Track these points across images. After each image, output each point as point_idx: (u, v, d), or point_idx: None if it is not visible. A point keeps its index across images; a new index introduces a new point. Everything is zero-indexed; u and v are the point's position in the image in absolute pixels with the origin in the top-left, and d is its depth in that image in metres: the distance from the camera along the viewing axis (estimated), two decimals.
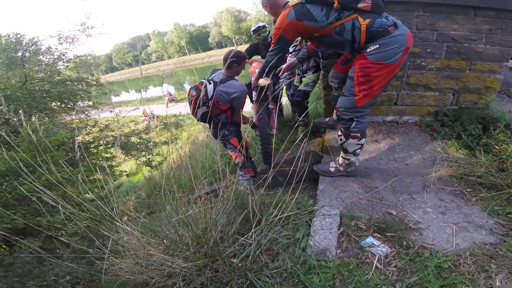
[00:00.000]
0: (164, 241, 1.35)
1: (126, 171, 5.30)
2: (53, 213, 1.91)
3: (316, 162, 2.15)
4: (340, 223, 1.48)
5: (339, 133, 1.79)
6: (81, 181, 1.35)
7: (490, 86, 2.20)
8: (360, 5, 1.47)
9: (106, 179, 1.52)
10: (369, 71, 1.57)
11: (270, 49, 1.78)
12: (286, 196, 1.53)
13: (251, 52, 3.48)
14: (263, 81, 2.61)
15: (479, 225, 1.42)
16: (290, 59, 2.67)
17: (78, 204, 1.58)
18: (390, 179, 1.83)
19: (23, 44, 5.98)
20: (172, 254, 1.27)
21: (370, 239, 1.36)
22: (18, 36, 6.19)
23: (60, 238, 1.46)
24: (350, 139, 1.73)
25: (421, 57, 2.19)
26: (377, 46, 1.53)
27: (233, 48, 2.11)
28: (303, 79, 2.85)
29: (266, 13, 1.97)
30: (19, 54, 5.82)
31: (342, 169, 1.88)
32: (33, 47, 6.06)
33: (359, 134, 1.71)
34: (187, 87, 31.19)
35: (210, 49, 69.88)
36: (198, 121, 2.32)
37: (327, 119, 2.54)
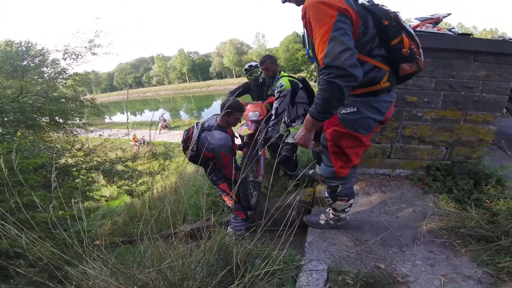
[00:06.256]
0: (135, 287, 1.21)
1: (106, 196, 5.03)
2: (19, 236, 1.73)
3: (305, 213, 2.07)
4: (327, 278, 1.40)
5: (326, 194, 1.70)
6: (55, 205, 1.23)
7: (483, 139, 2.19)
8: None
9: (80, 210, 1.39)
10: (341, 143, 1.39)
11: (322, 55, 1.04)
12: (272, 246, 1.44)
13: (243, 91, 3.26)
14: (245, 130, 2.46)
15: (467, 275, 1.40)
16: (276, 105, 2.41)
17: (48, 229, 1.43)
18: (380, 232, 1.79)
19: (31, 54, 5.77)
20: None
21: None
22: (29, 45, 6.05)
23: (16, 269, 1.29)
24: (338, 201, 1.63)
25: (418, 107, 2.14)
26: (355, 109, 1.28)
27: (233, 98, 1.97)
28: (291, 129, 2.53)
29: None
30: (24, 63, 5.60)
31: (332, 222, 1.82)
32: (39, 58, 5.85)
33: (346, 198, 1.62)
34: (183, 114, 31.36)
35: (210, 78, 72.05)
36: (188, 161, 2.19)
37: (311, 172, 2.48)
